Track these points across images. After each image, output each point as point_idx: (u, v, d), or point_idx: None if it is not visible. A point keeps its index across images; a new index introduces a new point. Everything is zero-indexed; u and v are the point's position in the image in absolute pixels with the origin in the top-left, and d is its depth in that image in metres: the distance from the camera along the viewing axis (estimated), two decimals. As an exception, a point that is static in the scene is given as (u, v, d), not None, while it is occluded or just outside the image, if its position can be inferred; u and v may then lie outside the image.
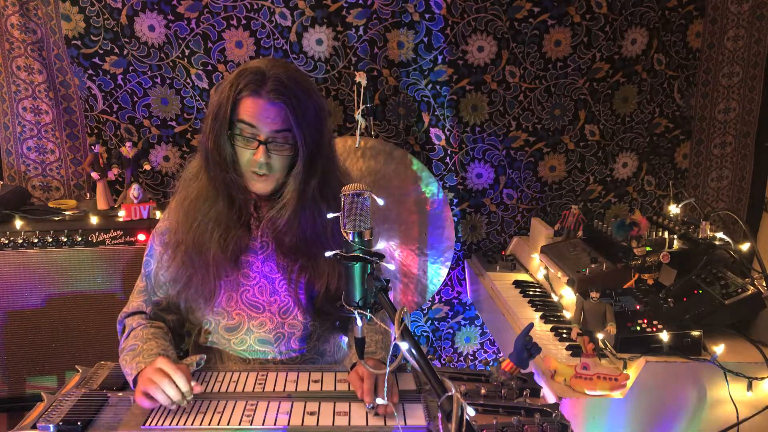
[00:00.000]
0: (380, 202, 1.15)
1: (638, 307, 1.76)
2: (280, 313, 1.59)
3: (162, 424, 1.26)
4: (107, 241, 2.26)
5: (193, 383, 1.33)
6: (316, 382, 1.42)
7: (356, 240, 1.11)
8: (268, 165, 1.48)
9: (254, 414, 1.28)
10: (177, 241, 1.56)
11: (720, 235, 1.99)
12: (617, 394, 1.58)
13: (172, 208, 1.63)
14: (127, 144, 2.44)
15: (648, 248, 1.96)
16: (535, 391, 1.33)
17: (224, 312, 1.58)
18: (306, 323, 1.60)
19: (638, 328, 1.69)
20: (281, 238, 1.55)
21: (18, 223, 2.24)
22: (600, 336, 1.72)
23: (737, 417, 1.64)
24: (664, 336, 1.65)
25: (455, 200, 2.72)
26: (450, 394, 0.92)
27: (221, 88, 1.51)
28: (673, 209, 2.28)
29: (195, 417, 1.28)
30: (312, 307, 1.58)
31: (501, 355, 2.75)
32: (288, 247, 1.55)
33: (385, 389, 1.26)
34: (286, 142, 1.48)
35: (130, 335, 1.56)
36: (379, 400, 1.26)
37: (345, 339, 1.73)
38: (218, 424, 1.25)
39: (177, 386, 1.30)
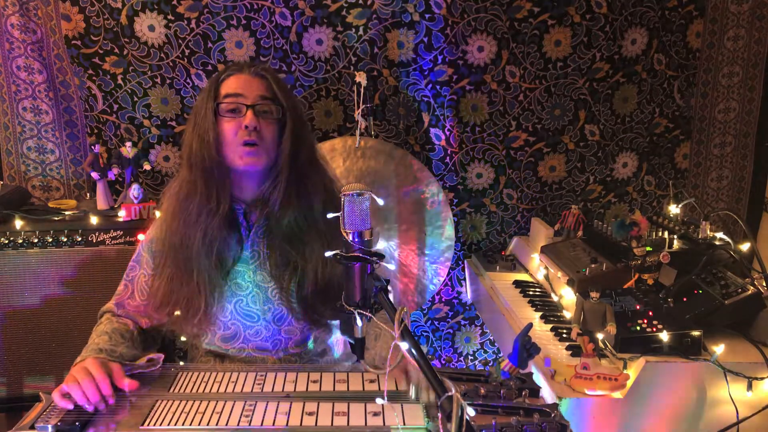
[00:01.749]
0: (380, 202, 1.15)
1: (638, 307, 1.76)
2: (274, 321, 1.59)
3: (161, 425, 1.26)
4: (107, 241, 2.26)
5: (128, 381, 1.33)
6: (315, 382, 1.42)
7: (356, 240, 1.11)
8: (258, 133, 1.50)
9: (253, 414, 1.28)
10: (164, 249, 1.56)
11: (720, 235, 1.99)
12: (617, 394, 1.58)
13: (157, 219, 1.64)
14: (127, 144, 2.44)
15: (648, 248, 1.95)
16: (535, 391, 1.33)
17: (220, 323, 1.58)
18: (302, 328, 1.60)
19: (638, 328, 1.69)
20: (279, 219, 1.54)
21: (18, 223, 2.23)
22: (600, 336, 1.72)
23: (737, 417, 1.64)
24: (664, 336, 1.65)
25: (455, 200, 2.71)
26: (450, 394, 0.92)
27: (203, 88, 1.60)
28: (673, 209, 2.27)
29: (194, 417, 1.27)
30: (305, 310, 1.58)
31: (501, 355, 2.75)
32: (281, 234, 1.55)
33: (386, 390, 1.26)
34: (271, 110, 1.53)
35: (94, 330, 1.57)
36: (378, 400, 1.26)
37: (334, 340, 1.72)
38: (217, 425, 1.25)
39: (98, 389, 1.30)
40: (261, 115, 1.52)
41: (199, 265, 1.51)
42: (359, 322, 1.14)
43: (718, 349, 1.65)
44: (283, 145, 1.53)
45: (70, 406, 1.30)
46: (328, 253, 1.15)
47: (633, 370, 1.61)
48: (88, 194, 2.61)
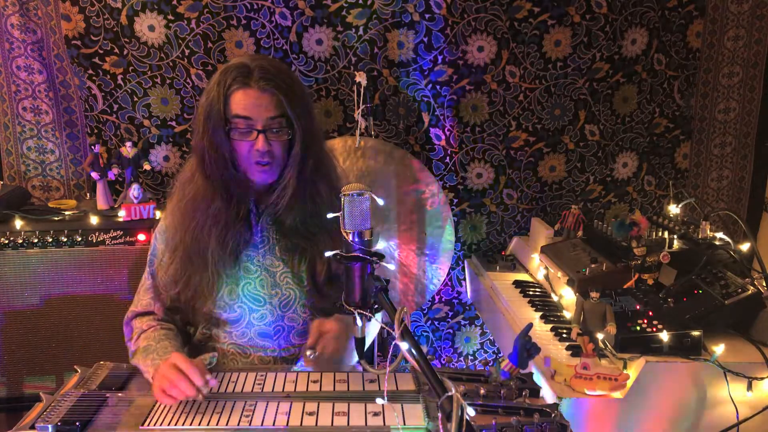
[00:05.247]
0: (380, 202, 1.15)
1: (638, 307, 1.76)
2: (280, 306, 1.60)
3: (161, 425, 1.26)
4: (107, 241, 2.26)
5: (208, 377, 1.33)
6: (315, 382, 1.42)
7: (356, 240, 1.11)
8: (270, 153, 1.51)
9: (253, 414, 1.28)
10: (176, 241, 1.59)
11: (720, 235, 1.99)
12: (617, 394, 1.58)
13: (169, 208, 1.65)
14: (127, 144, 2.44)
15: (648, 248, 1.95)
16: (535, 391, 1.33)
17: (226, 305, 1.60)
18: (306, 318, 1.62)
19: (638, 328, 1.69)
20: (282, 220, 1.57)
21: (18, 223, 2.23)
22: (600, 336, 1.72)
23: (737, 417, 1.64)
24: (664, 336, 1.65)
25: (455, 200, 2.71)
26: (450, 394, 0.92)
27: (208, 89, 1.54)
28: (673, 209, 2.27)
29: (194, 417, 1.27)
30: (315, 292, 1.60)
31: (501, 355, 2.75)
32: (288, 228, 1.58)
33: (386, 390, 1.26)
34: (282, 128, 1.51)
35: (140, 337, 1.57)
36: (378, 400, 1.26)
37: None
38: (217, 425, 1.25)
39: (191, 382, 1.30)
40: (272, 134, 1.51)
41: (212, 250, 1.54)
42: (359, 322, 1.14)
43: (718, 349, 1.65)
44: (291, 160, 1.54)
45: (174, 402, 1.32)
46: (328, 253, 1.15)
47: (633, 370, 1.61)
48: (88, 194, 2.61)
